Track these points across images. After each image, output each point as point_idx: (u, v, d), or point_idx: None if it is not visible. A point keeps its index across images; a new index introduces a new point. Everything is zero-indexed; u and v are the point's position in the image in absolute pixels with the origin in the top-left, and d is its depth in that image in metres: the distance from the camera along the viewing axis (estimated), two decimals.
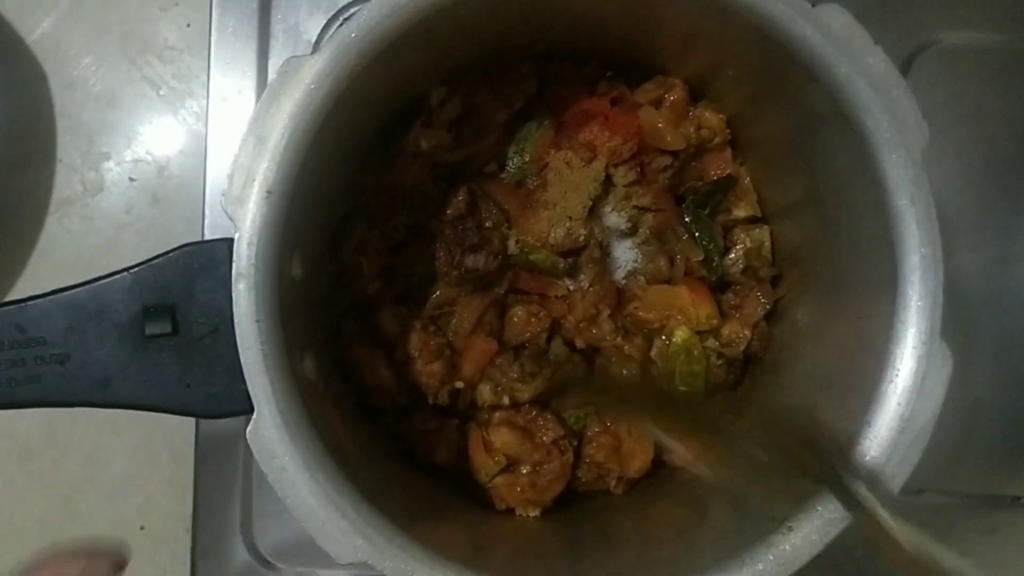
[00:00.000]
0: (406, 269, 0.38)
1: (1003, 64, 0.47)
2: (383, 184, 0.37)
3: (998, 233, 0.46)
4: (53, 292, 0.28)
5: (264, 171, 0.28)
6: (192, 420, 0.46)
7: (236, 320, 0.27)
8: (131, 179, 0.51)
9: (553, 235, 0.38)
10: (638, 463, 0.38)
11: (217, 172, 0.47)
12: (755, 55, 0.32)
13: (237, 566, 0.46)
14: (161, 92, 0.51)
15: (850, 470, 0.28)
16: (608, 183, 0.39)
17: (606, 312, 0.38)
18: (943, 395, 0.29)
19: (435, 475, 0.38)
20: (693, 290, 0.39)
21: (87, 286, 0.28)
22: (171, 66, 0.51)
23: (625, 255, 0.40)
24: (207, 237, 0.46)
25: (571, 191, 0.38)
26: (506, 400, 0.38)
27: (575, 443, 0.39)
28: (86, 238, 0.50)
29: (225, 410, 0.28)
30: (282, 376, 0.28)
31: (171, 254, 0.28)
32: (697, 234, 0.39)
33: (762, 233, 0.40)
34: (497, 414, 0.38)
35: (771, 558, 0.28)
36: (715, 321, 0.39)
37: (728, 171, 0.39)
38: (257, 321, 0.27)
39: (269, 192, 0.28)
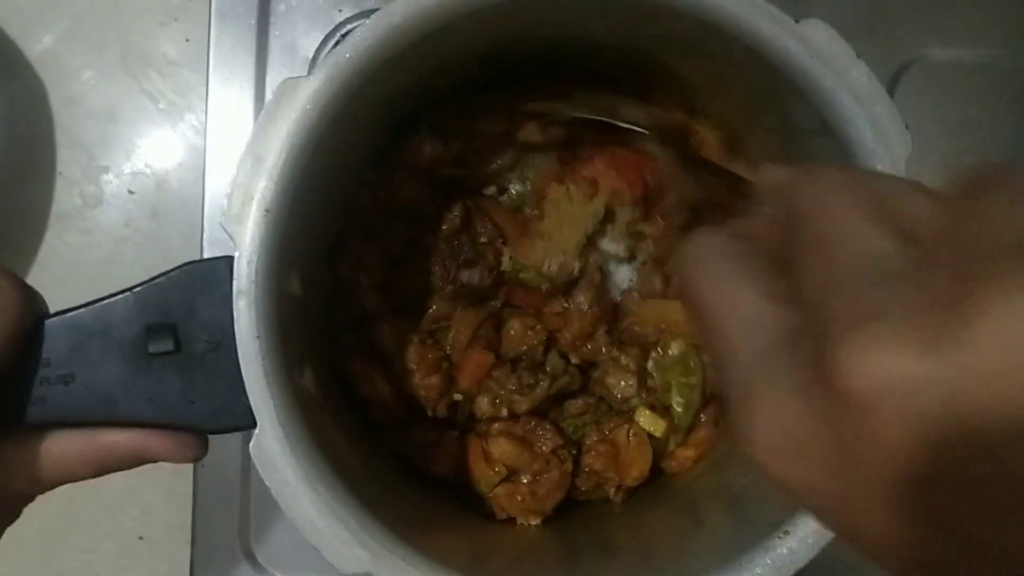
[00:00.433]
0: (403, 283, 0.39)
1: (989, 80, 0.47)
2: (380, 199, 0.38)
3: None
4: (57, 313, 0.28)
5: (262, 190, 0.28)
6: None
7: (237, 337, 0.28)
8: (130, 192, 0.52)
9: (547, 267, 0.38)
10: (636, 471, 0.39)
11: (216, 185, 0.47)
12: (744, 71, 0.32)
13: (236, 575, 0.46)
14: (160, 106, 0.51)
15: None
16: (609, 215, 0.39)
17: (602, 329, 0.39)
18: None
19: (435, 485, 0.39)
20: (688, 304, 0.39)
21: (90, 306, 0.28)
22: (170, 80, 0.51)
23: (621, 275, 0.40)
24: (206, 249, 0.47)
25: (568, 225, 0.38)
26: (504, 412, 0.38)
27: (574, 452, 0.39)
28: (85, 252, 0.51)
29: (228, 425, 0.29)
30: (283, 390, 0.29)
31: (172, 273, 0.29)
32: None
33: None
34: (496, 425, 0.39)
35: (768, 562, 0.29)
36: None
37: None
38: (258, 337, 0.28)
39: (267, 210, 0.28)
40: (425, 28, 0.29)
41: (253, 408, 0.28)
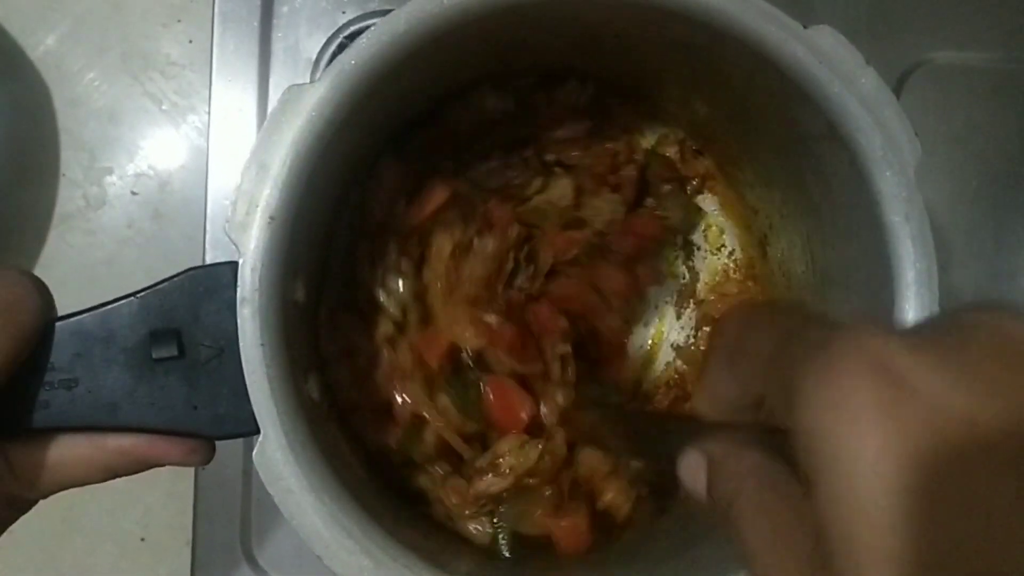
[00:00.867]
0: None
1: (993, 83, 0.47)
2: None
3: (989, 250, 0.47)
4: (60, 318, 0.28)
5: (267, 197, 0.28)
6: None
7: (241, 344, 0.28)
8: (133, 193, 0.51)
9: None
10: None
11: (219, 186, 0.47)
12: (751, 77, 0.32)
13: None
14: (163, 107, 0.51)
15: None
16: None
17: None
18: None
19: None
20: None
21: (94, 311, 0.28)
22: (173, 82, 0.51)
23: None
24: (208, 251, 0.46)
25: None
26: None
27: None
28: (88, 253, 0.51)
29: (232, 431, 0.29)
30: (287, 398, 0.28)
31: (176, 278, 0.29)
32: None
33: None
34: None
35: None
36: None
37: None
38: (262, 345, 0.28)
39: (272, 218, 0.28)
40: (430, 35, 0.29)
41: (257, 416, 0.28)
